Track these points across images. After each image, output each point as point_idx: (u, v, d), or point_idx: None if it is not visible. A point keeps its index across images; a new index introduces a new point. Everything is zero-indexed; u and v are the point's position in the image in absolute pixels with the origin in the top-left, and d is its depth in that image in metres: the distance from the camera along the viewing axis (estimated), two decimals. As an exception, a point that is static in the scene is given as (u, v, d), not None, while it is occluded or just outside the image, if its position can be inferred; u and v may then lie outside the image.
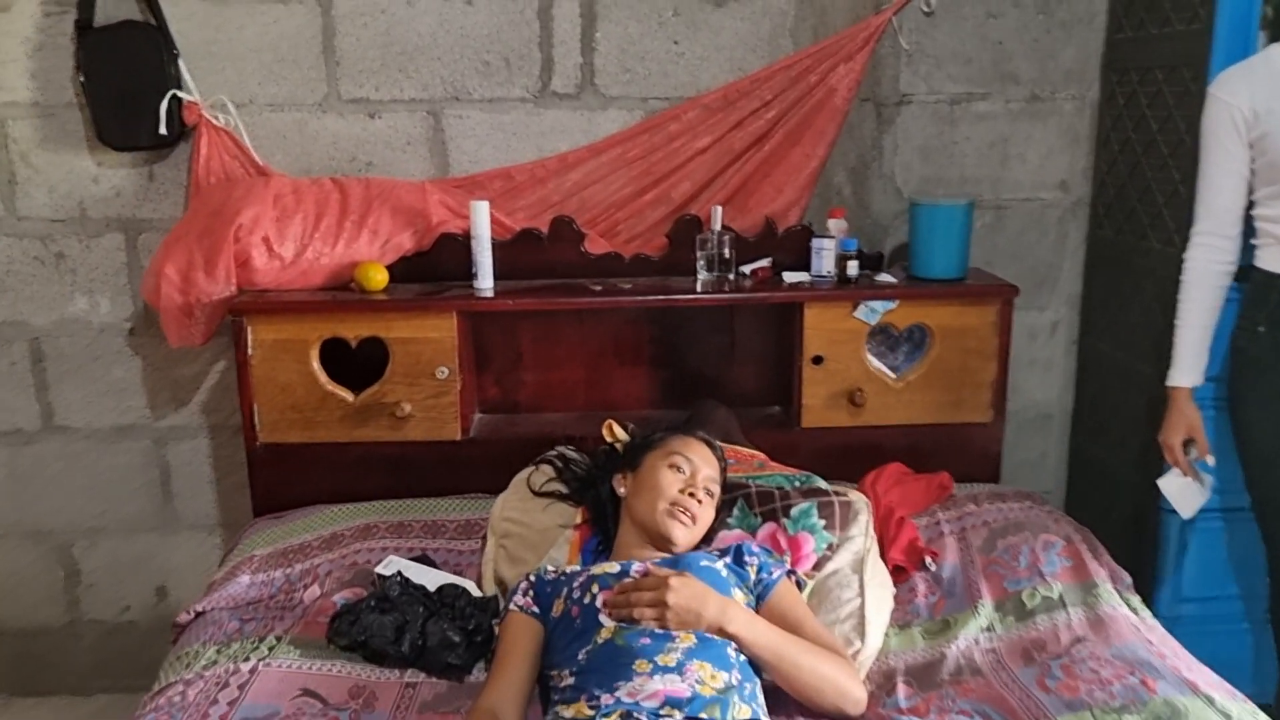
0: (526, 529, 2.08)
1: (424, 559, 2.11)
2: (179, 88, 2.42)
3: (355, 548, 2.15)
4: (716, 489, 1.92)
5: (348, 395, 2.35)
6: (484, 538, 2.13)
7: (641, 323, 2.55)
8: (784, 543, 1.98)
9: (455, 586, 1.94)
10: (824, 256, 2.41)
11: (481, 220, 2.34)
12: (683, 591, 1.62)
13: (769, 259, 2.47)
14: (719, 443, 2.02)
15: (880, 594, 1.97)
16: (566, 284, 2.42)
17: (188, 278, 2.31)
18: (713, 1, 2.51)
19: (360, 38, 2.50)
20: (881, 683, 1.80)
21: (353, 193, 2.42)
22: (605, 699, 1.47)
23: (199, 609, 2.00)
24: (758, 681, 1.62)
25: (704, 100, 2.52)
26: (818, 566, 1.97)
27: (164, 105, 2.39)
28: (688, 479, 1.86)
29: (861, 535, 2.03)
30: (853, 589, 1.94)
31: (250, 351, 2.31)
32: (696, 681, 1.50)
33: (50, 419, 2.69)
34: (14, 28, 2.45)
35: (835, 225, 2.44)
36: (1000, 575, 2.06)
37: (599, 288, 2.39)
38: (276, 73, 2.51)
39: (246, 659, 1.81)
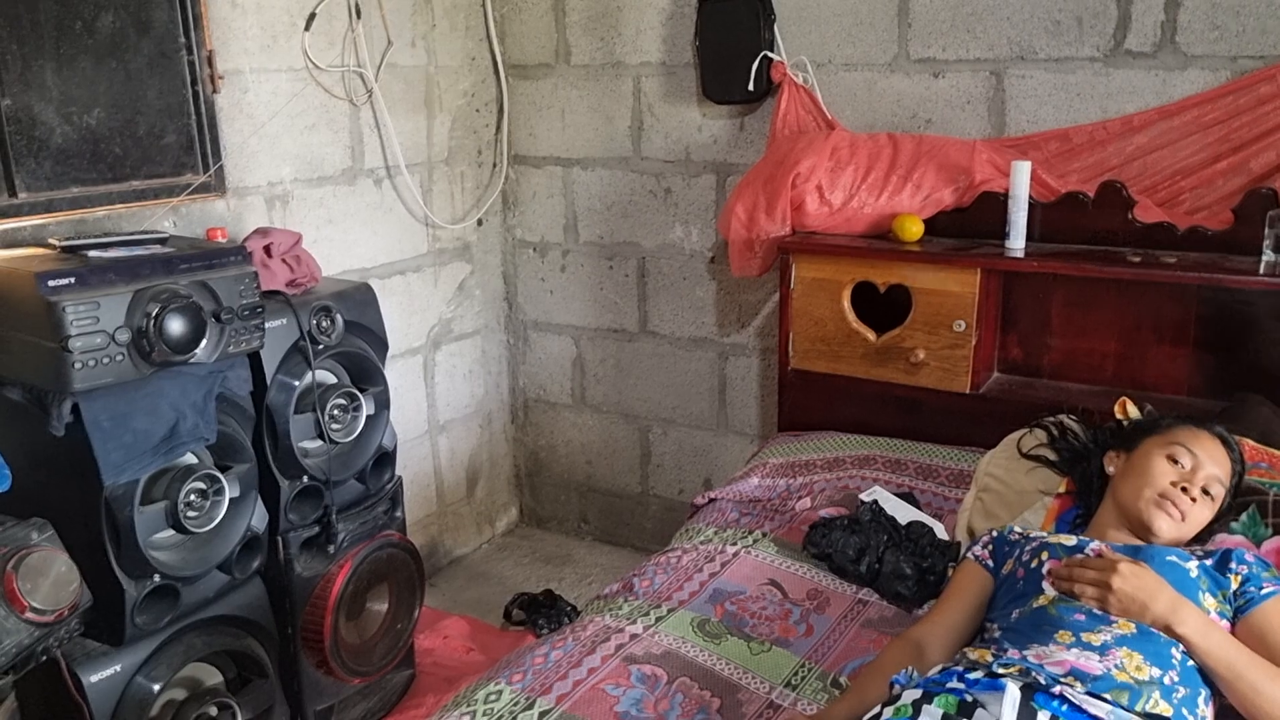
0: (1006, 488, 2.12)
1: (908, 496, 2.25)
2: (770, 49, 2.76)
3: (851, 473, 2.36)
4: (1219, 491, 1.77)
5: (870, 335, 2.54)
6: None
7: (1190, 301, 2.35)
8: (1291, 561, 1.77)
9: (923, 525, 2.07)
10: None
11: (1021, 180, 2.35)
12: (1130, 580, 1.57)
13: (1364, 245, 2.13)
14: (1238, 441, 1.85)
15: None
16: (1104, 251, 2.33)
17: (752, 216, 2.67)
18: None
19: (934, 0, 2.60)
20: (1381, 745, 1.56)
21: (904, 148, 2.57)
22: (1011, 653, 1.52)
23: (712, 496, 2.39)
24: (1205, 692, 1.52)
25: (1308, 58, 2.22)
26: (1331, 597, 1.73)
27: (755, 65, 2.75)
28: (1185, 473, 1.75)
29: None
30: (1372, 632, 1.67)
31: (792, 286, 2.61)
32: (1115, 666, 1.47)
33: (645, 324, 3.28)
34: (657, 1, 2.98)
35: None
36: None
37: (1137, 258, 2.27)
38: (854, 34, 2.72)
39: (734, 544, 2.14)
